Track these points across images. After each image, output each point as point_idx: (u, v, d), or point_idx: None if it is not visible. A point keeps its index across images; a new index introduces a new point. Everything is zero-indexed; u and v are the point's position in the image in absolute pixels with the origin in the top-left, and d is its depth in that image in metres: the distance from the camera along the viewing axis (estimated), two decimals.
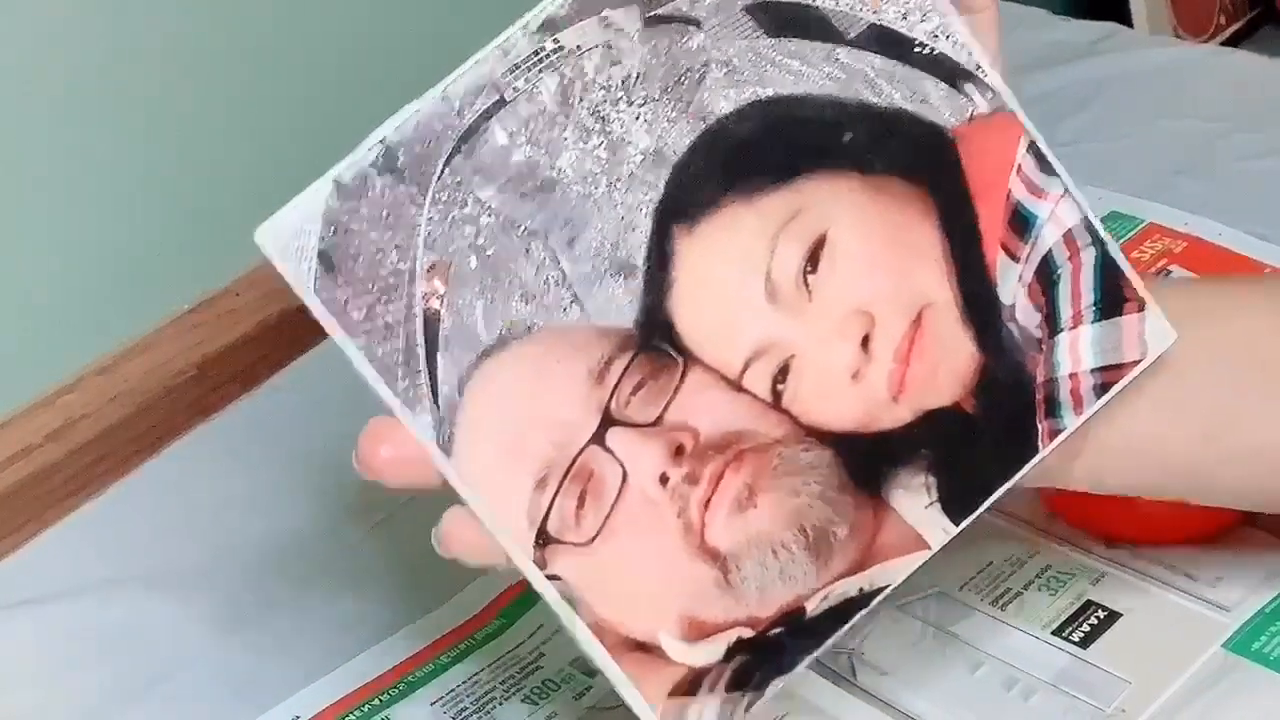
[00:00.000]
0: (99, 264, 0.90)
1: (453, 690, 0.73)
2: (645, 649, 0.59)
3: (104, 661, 0.77)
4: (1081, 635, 0.71)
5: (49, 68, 0.85)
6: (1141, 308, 0.61)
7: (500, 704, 0.72)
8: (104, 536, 0.83)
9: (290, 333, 0.93)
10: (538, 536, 0.57)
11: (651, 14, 0.59)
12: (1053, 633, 0.71)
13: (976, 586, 0.74)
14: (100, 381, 0.89)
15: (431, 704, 0.72)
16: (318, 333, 0.93)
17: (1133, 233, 0.91)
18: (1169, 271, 0.89)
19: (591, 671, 0.72)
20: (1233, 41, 1.78)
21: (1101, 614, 0.72)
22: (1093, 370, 0.61)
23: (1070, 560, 0.74)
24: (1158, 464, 0.64)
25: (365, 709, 0.72)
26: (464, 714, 0.72)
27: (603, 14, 0.58)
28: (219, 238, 0.94)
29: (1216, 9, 1.78)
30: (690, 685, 0.59)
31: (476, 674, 0.73)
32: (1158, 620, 0.71)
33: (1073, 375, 0.61)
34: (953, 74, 0.61)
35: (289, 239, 0.56)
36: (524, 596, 0.76)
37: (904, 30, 0.60)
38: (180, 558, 0.81)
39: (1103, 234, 0.61)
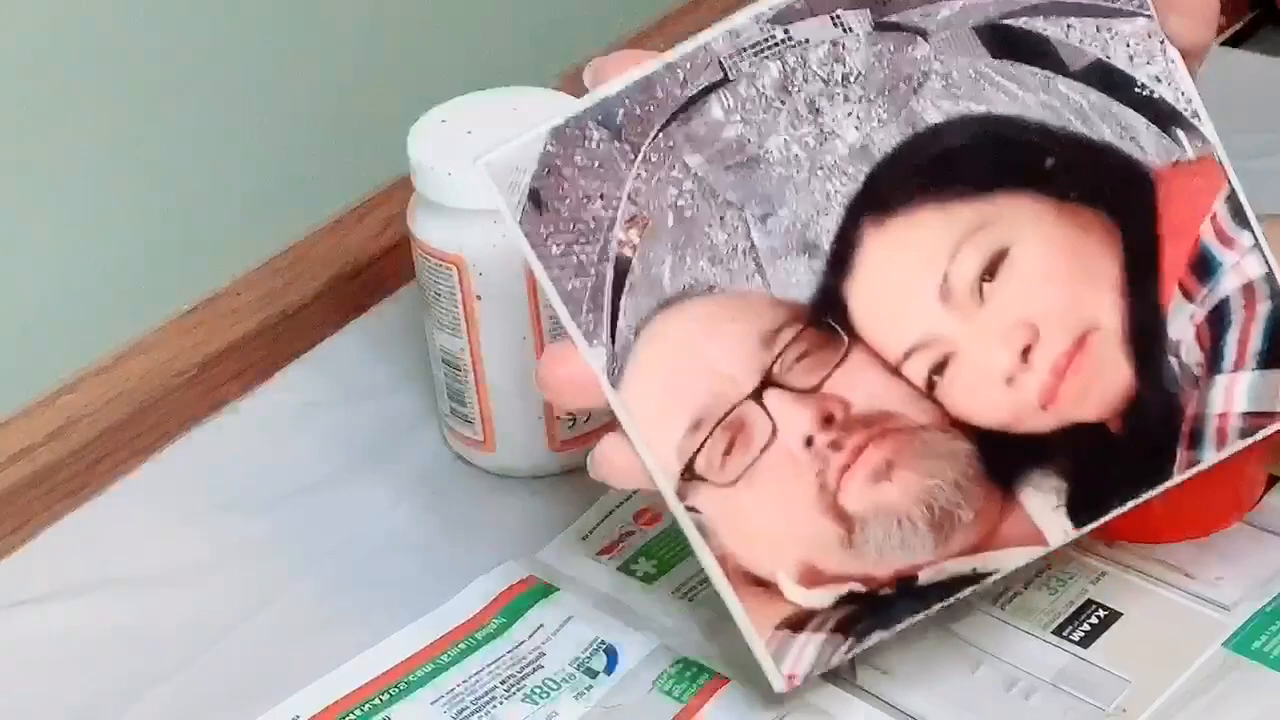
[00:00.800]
0: (99, 264, 0.90)
1: (453, 690, 0.73)
2: (762, 584, 0.64)
3: (104, 661, 0.76)
4: (1081, 635, 0.71)
5: (49, 67, 0.85)
6: None
7: (500, 704, 0.72)
8: (105, 536, 0.83)
9: (290, 333, 0.93)
10: (684, 471, 0.63)
11: (883, 19, 0.62)
12: (1053, 632, 0.71)
13: None
14: (100, 382, 0.89)
15: (431, 704, 0.72)
16: (318, 333, 0.94)
17: None
18: None
19: (592, 671, 0.72)
20: (1233, 41, 1.77)
21: (1101, 613, 0.72)
22: (1243, 414, 0.65)
23: (1070, 559, 0.74)
24: None
25: (365, 709, 0.72)
26: (464, 714, 0.72)
27: (835, 13, 0.62)
28: (219, 238, 0.94)
29: None
30: (798, 622, 0.64)
31: (476, 674, 0.73)
32: (1158, 619, 0.71)
33: (1222, 415, 0.64)
34: (1166, 118, 0.63)
35: (506, 171, 0.61)
36: (524, 596, 0.76)
37: (1127, 70, 0.63)
38: (180, 558, 0.81)
39: None
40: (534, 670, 0.73)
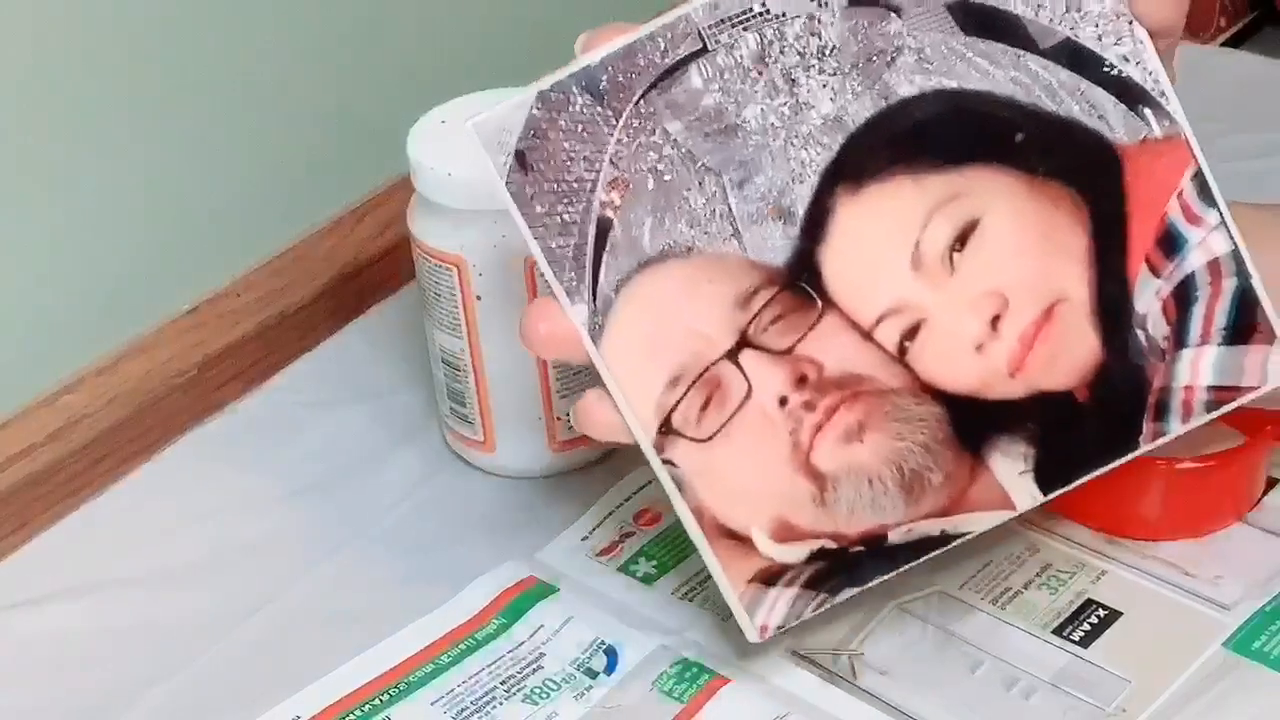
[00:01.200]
0: (99, 264, 0.90)
1: (453, 690, 0.73)
2: (737, 538, 0.66)
3: (104, 661, 0.76)
4: (1081, 634, 0.71)
5: (49, 67, 0.85)
6: (1271, 341, 0.65)
7: (500, 704, 0.72)
8: (104, 536, 0.83)
9: (290, 333, 0.93)
10: (661, 426, 0.65)
11: None
12: (1053, 632, 0.71)
13: (976, 586, 0.74)
14: (100, 381, 0.89)
15: (431, 704, 0.72)
16: (318, 333, 0.94)
17: None
18: None
19: (592, 671, 0.72)
20: (1233, 42, 1.78)
21: (1101, 613, 0.72)
22: (1209, 387, 0.66)
23: (1070, 559, 0.74)
24: None
25: (365, 709, 0.72)
26: (464, 714, 0.72)
27: None
28: (219, 238, 0.94)
29: (1216, 9, 1.78)
30: (771, 576, 0.66)
31: (476, 674, 0.73)
32: (1158, 619, 0.72)
33: (1188, 388, 0.66)
34: (1134, 97, 0.65)
35: (494, 133, 0.63)
36: (524, 596, 0.76)
37: (1096, 49, 0.64)
38: (180, 558, 0.81)
39: (1250, 268, 0.65)
40: (534, 671, 0.73)
